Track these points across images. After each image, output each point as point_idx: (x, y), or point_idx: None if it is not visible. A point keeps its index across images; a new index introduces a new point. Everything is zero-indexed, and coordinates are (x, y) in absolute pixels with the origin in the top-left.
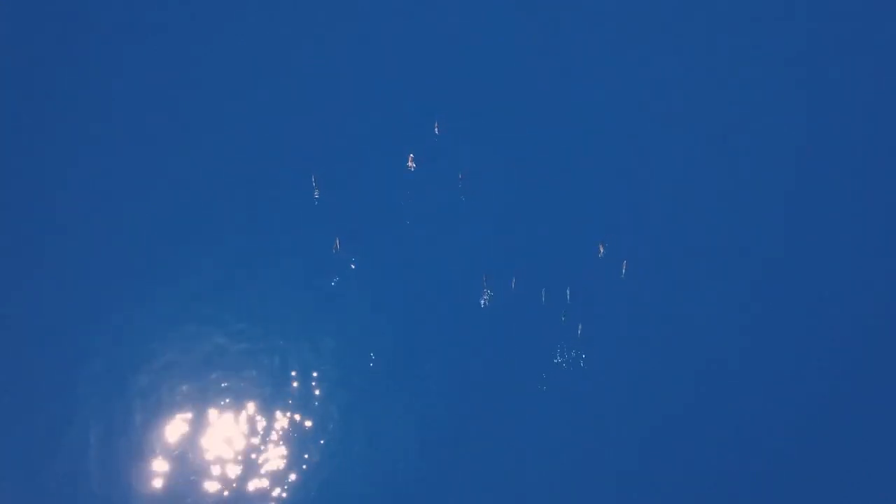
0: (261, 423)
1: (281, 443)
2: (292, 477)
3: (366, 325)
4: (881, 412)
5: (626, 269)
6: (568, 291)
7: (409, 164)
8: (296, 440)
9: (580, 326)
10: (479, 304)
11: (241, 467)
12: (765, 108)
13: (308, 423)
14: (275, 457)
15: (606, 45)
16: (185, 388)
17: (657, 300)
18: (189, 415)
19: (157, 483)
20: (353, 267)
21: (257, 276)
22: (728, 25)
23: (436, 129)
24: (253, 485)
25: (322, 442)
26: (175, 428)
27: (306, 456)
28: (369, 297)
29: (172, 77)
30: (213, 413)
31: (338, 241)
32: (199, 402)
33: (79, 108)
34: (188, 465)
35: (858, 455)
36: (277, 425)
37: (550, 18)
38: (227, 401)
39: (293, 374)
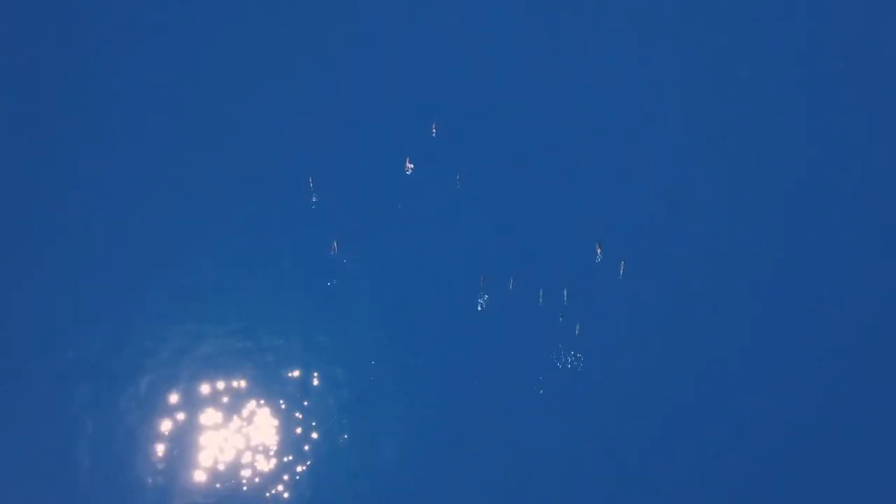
0: (258, 422)
1: (279, 442)
2: (290, 476)
3: (364, 325)
4: (881, 412)
5: (623, 270)
6: (565, 292)
7: (407, 165)
8: (293, 439)
9: (578, 326)
10: (477, 304)
11: (238, 466)
12: (764, 108)
13: (306, 423)
14: (273, 456)
15: (605, 47)
16: (182, 387)
17: (655, 301)
18: (187, 414)
19: (154, 482)
20: (351, 268)
21: (256, 276)
22: (728, 25)
23: (433, 131)
24: (251, 483)
25: (320, 441)
26: (172, 427)
27: (304, 455)
28: (367, 299)
29: (172, 77)
30: (211, 412)
31: (335, 244)
32: (197, 401)
33: (78, 108)
34: (185, 463)
35: (858, 455)
36: (276, 424)
37: (549, 20)
38: (226, 400)
39: (291, 374)
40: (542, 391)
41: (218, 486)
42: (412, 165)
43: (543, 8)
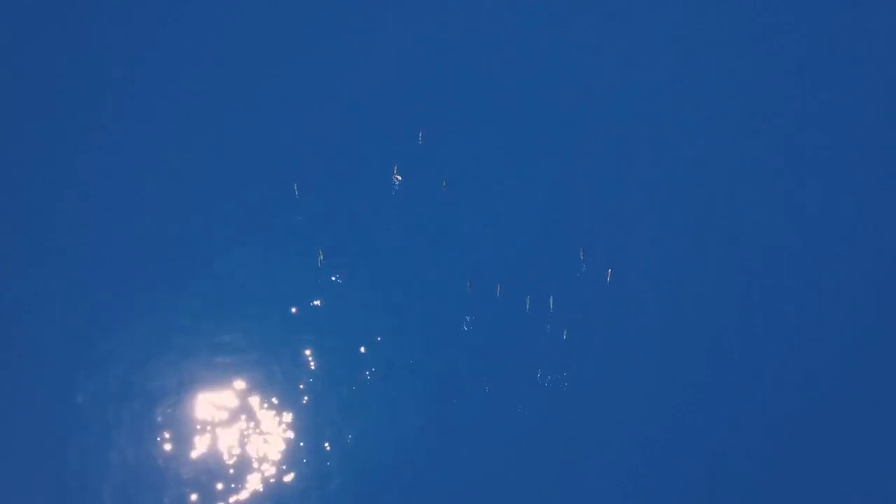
0: (252, 426)
1: (270, 446)
2: (285, 479)
3: (354, 328)
4: (877, 415)
5: (610, 278)
6: (551, 300)
7: (395, 176)
8: (286, 441)
9: (566, 332)
10: (465, 309)
11: (232, 470)
12: (759, 110)
13: (293, 428)
14: (267, 461)
15: (591, 55)
16: (172, 384)
17: (643, 308)
18: (175, 411)
19: (144, 479)
20: (338, 274)
21: (248, 284)
22: (717, 25)
23: (420, 140)
24: (240, 481)
25: (311, 445)
26: (161, 424)
27: (297, 460)
28: (358, 306)
29: (162, 89)
30: (198, 409)
31: (321, 253)
32: (192, 405)
33: (73, 113)
34: (180, 466)
35: (855, 459)
36: (266, 428)
37: (532, 28)
38: (214, 398)
39: (281, 379)
40: (529, 397)
41: (207, 483)
42: (399, 177)
43: (527, 15)
